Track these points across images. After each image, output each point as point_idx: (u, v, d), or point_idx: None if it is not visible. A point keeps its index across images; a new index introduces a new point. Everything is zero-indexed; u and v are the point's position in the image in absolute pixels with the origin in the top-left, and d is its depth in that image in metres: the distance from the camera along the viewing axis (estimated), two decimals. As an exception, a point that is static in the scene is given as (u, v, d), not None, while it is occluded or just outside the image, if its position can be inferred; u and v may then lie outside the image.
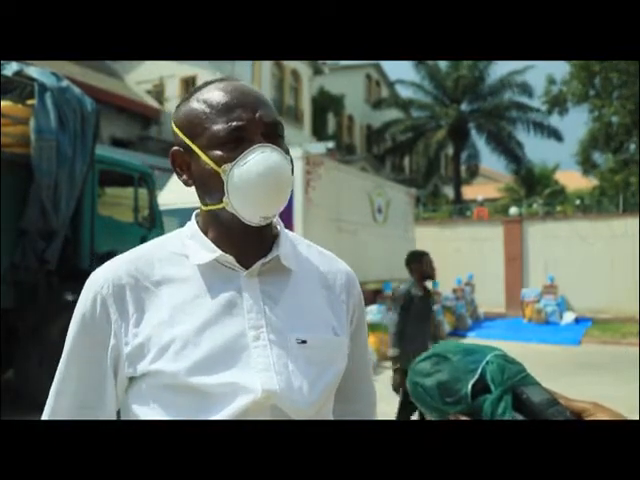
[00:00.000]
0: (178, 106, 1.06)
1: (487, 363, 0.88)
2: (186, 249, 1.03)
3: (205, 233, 1.04)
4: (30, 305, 5.89)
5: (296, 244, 1.11)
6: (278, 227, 1.08)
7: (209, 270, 1.01)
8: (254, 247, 1.03)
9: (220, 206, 0.99)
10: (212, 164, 0.97)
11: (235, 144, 0.96)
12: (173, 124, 1.05)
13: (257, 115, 0.98)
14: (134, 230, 7.23)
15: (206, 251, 1.01)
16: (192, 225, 1.07)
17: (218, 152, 0.97)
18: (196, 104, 1.01)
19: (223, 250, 1.00)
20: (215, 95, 1.00)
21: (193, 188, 1.05)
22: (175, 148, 1.04)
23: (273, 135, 1.00)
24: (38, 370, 5.76)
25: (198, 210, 1.08)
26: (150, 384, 0.96)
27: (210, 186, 0.99)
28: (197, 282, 1.00)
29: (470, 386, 0.86)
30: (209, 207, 1.02)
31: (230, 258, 1.00)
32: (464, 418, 0.85)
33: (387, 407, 5.55)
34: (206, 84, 1.04)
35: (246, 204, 0.96)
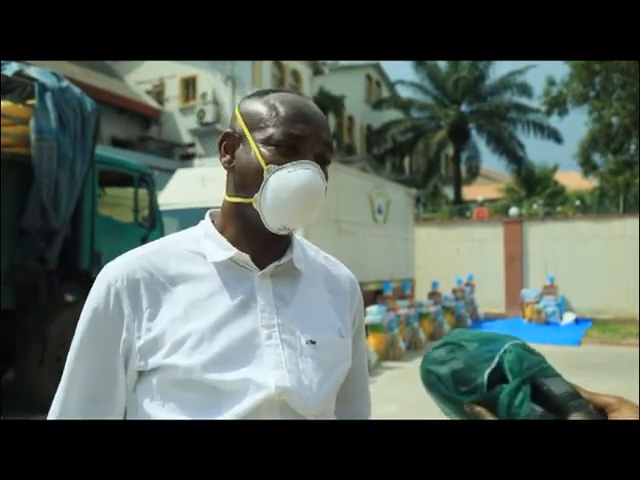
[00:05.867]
0: (249, 97, 1.08)
1: (505, 352, 0.85)
2: (201, 247, 1.05)
3: (221, 231, 1.06)
4: (30, 305, 5.89)
5: (305, 248, 1.14)
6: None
7: (224, 268, 1.03)
8: (269, 248, 1.05)
9: (249, 200, 1.01)
10: (260, 158, 0.99)
11: (288, 150, 0.99)
12: (237, 109, 1.07)
13: (317, 134, 1.02)
14: (134, 230, 7.22)
15: (222, 249, 1.03)
16: (207, 224, 1.08)
17: (270, 151, 0.99)
18: (266, 103, 1.03)
19: (239, 249, 1.03)
20: (287, 103, 1.02)
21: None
22: (228, 130, 1.06)
23: (324, 159, 1.03)
24: (38, 370, 5.76)
25: (212, 210, 1.11)
26: (161, 379, 0.97)
27: (248, 178, 1.01)
28: (212, 280, 1.02)
29: (486, 375, 0.84)
30: (236, 199, 1.04)
31: (246, 257, 1.02)
32: (478, 408, 0.83)
33: (387, 408, 5.56)
34: (282, 91, 1.06)
35: (274, 209, 0.99)
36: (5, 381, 6.21)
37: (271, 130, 1.00)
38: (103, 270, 1.03)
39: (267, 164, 0.98)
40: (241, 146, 1.03)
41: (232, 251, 1.02)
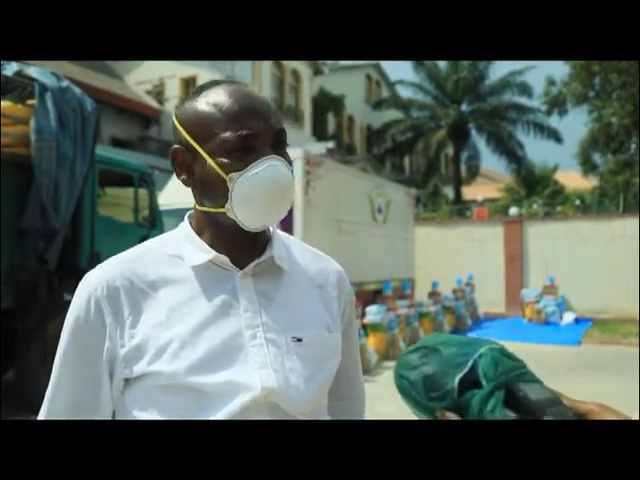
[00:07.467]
0: (182, 103, 1.03)
1: (480, 356, 0.82)
2: (180, 250, 1.03)
3: (199, 234, 1.04)
4: (30, 305, 5.89)
5: (288, 244, 1.12)
6: (271, 228, 1.08)
7: (204, 271, 1.01)
8: (248, 248, 1.03)
9: (221, 211, 0.98)
10: (219, 170, 0.96)
11: (244, 152, 0.96)
12: (176, 121, 1.03)
13: (267, 124, 0.98)
14: (134, 230, 7.22)
15: (201, 252, 1.01)
16: (185, 226, 1.06)
17: (226, 159, 0.96)
18: (204, 106, 0.99)
19: (217, 251, 1.01)
20: (225, 99, 0.98)
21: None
22: (176, 146, 1.03)
23: (280, 144, 1.00)
24: (38, 370, 5.75)
25: (191, 211, 1.08)
26: (147, 385, 0.96)
27: (212, 190, 0.99)
28: (192, 283, 1.00)
29: (457, 380, 0.81)
30: (207, 209, 1.02)
31: (225, 259, 1.01)
32: (452, 416, 0.81)
33: (387, 407, 5.55)
34: (213, 84, 1.02)
35: (249, 213, 0.97)
36: (5, 381, 6.21)
37: (220, 137, 0.96)
38: (84, 279, 1.02)
39: (227, 173, 0.95)
40: (194, 160, 1.00)
41: (211, 254, 1.00)
